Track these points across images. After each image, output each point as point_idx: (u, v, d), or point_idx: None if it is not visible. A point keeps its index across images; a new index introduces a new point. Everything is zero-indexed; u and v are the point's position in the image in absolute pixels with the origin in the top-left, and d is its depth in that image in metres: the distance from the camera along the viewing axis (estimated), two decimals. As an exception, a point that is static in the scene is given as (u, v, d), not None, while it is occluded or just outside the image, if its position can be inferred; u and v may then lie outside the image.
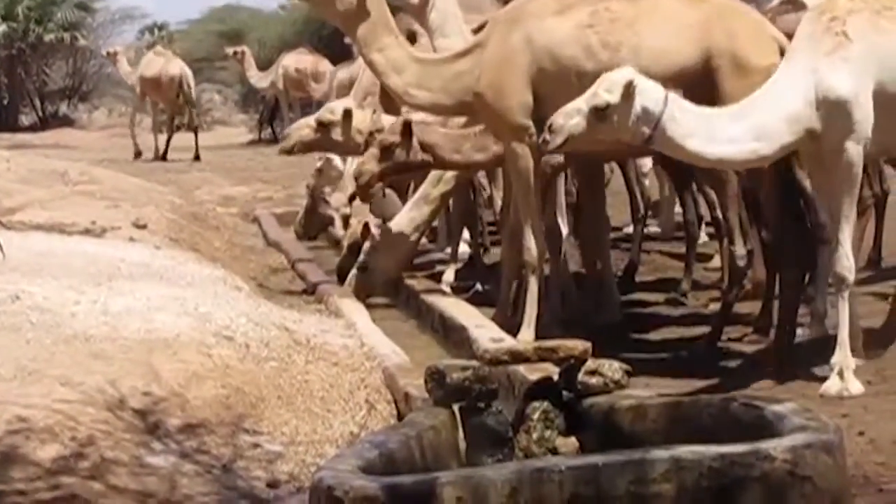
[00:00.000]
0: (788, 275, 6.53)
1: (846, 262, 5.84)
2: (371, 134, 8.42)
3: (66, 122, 30.75)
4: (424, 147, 7.64)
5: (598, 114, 5.54)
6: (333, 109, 8.85)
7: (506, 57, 6.86)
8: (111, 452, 4.80)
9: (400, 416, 5.58)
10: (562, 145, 5.69)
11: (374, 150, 7.78)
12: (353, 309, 7.61)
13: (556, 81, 6.69)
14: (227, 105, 31.37)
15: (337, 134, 8.69)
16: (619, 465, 3.72)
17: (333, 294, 8.17)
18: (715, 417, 4.26)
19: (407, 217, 8.47)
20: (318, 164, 10.66)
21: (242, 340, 5.97)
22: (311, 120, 9.08)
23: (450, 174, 8.28)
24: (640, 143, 5.78)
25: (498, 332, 6.62)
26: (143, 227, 9.56)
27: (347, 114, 8.66)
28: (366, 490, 3.64)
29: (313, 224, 10.67)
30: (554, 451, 4.60)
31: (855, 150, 5.78)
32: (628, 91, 5.51)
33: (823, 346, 6.25)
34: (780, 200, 6.54)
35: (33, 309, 6.02)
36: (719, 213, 7.58)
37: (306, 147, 9.04)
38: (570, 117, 5.60)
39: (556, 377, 4.86)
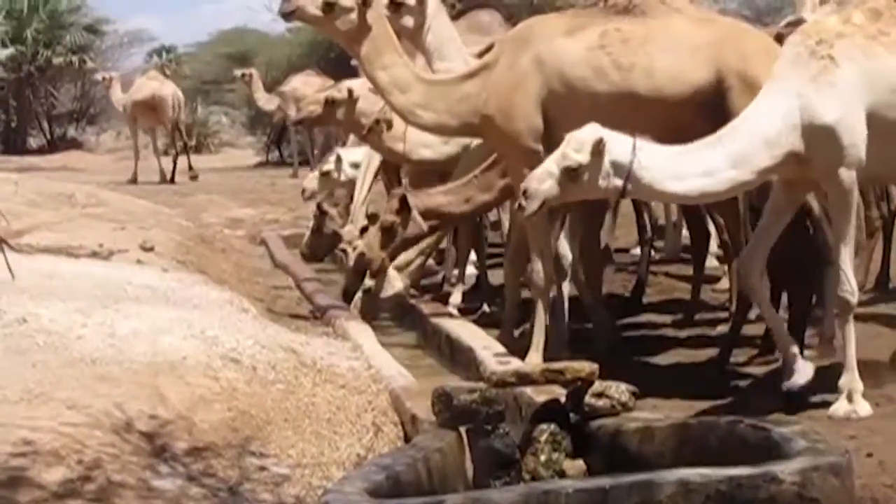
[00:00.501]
0: (795, 295, 6.52)
1: (848, 286, 5.82)
2: (377, 122, 8.49)
3: (74, 144, 30.87)
4: (430, 214, 7.68)
5: (570, 175, 5.53)
6: (341, 88, 9.16)
7: (515, 79, 6.83)
8: (118, 475, 4.79)
9: (407, 439, 5.57)
10: (538, 210, 5.67)
11: (375, 232, 7.85)
12: (360, 331, 7.61)
13: (567, 104, 6.66)
14: (235, 127, 31.47)
15: (341, 113, 9.02)
16: (627, 487, 3.71)
17: (340, 316, 8.17)
18: (722, 439, 4.25)
19: None
20: (326, 166, 10.80)
21: (249, 363, 5.97)
22: (321, 95, 9.50)
23: None
24: (617, 196, 5.77)
25: (505, 353, 6.61)
26: (150, 249, 9.55)
27: (351, 93, 8.94)
28: (372, 513, 3.64)
29: (320, 246, 10.68)
30: (561, 474, 4.60)
31: (848, 176, 5.72)
32: (598, 149, 5.49)
33: (832, 368, 6.25)
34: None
35: (40, 331, 6.02)
36: (727, 236, 7.58)
37: (314, 122, 9.75)
38: (543, 181, 5.59)
39: (563, 399, 4.86)
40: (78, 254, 8.84)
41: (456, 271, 9.45)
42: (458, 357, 7.09)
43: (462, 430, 4.65)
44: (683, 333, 7.97)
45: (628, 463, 4.37)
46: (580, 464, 4.66)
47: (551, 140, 6.43)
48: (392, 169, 10.09)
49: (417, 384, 6.19)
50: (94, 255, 8.94)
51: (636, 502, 3.66)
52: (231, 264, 11.18)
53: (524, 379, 4.91)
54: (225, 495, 4.86)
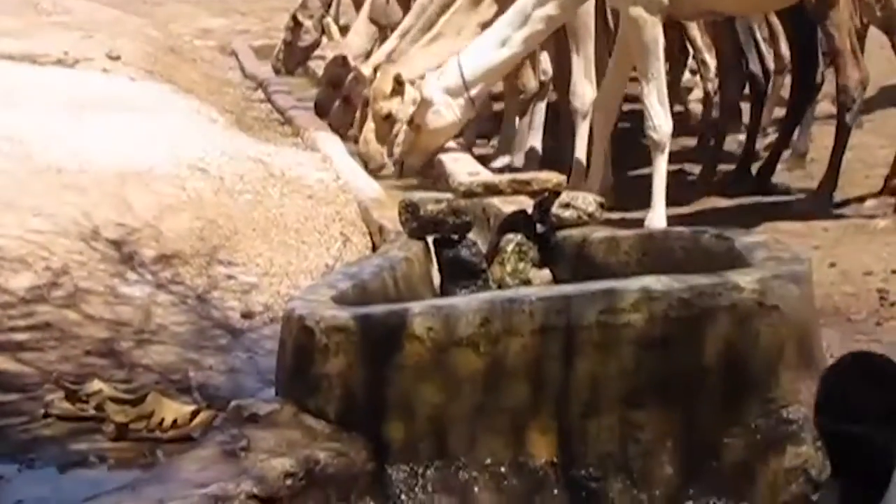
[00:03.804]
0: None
1: (651, 122, 5.76)
2: None
3: (39, -49, 30.14)
4: None
5: (413, 126, 6.14)
6: None
7: None
8: (85, 282, 4.81)
9: (374, 249, 5.60)
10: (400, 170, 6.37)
11: (369, 126, 7.44)
12: (330, 142, 7.56)
13: None
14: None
15: None
16: (590, 295, 3.72)
17: (310, 128, 8.10)
18: (686, 249, 4.27)
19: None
20: None
21: (217, 173, 5.96)
22: None
23: None
24: (477, 112, 6.19)
25: (474, 165, 6.59)
26: (117, 58, 9.40)
27: None
28: (337, 320, 3.65)
29: (292, 58, 10.52)
30: (527, 283, 4.62)
31: (637, 13, 5.65)
32: (414, 100, 6.15)
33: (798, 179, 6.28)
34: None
35: (5, 140, 5.98)
36: (704, 55, 7.57)
37: None
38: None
39: (530, 210, 4.86)
40: (42, 62, 8.71)
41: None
42: (428, 169, 7.06)
43: (429, 239, 4.66)
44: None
45: (593, 272, 4.40)
46: (546, 273, 4.68)
47: None
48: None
49: (386, 195, 6.19)
50: (59, 63, 8.81)
51: (598, 310, 3.68)
52: (200, 74, 11.03)
53: (491, 189, 4.89)
54: (193, 303, 4.90)
